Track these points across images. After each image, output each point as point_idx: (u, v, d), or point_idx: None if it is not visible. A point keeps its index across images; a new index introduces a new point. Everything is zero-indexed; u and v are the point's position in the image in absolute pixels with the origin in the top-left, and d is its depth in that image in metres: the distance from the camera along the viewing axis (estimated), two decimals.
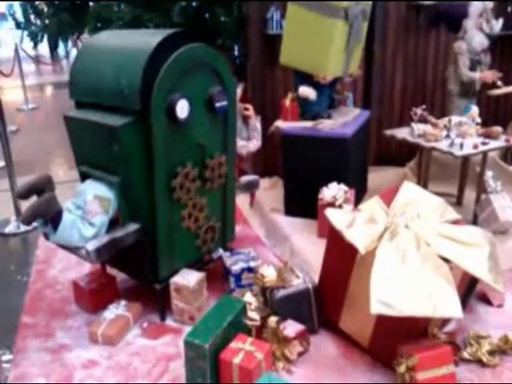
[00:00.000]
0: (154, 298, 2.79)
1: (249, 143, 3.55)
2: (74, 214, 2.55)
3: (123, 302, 2.80)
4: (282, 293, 2.55)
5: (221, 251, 3.07)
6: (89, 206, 2.51)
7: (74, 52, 13.16)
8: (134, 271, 2.90)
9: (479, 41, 4.17)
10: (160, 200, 2.56)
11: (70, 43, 13.05)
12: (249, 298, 2.60)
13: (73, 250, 2.58)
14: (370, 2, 3.73)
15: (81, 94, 2.69)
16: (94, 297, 2.85)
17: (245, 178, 3.37)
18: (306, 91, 3.63)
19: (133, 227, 2.59)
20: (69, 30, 5.73)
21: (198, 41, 2.59)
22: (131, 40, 2.65)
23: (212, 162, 2.78)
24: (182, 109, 2.48)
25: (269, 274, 2.66)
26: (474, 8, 4.13)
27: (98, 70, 2.57)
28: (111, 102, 2.49)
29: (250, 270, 2.89)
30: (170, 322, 2.77)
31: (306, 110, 3.75)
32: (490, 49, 4.32)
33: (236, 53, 5.28)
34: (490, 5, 4.17)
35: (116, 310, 2.74)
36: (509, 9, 4.88)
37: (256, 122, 3.58)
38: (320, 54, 3.45)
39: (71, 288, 2.97)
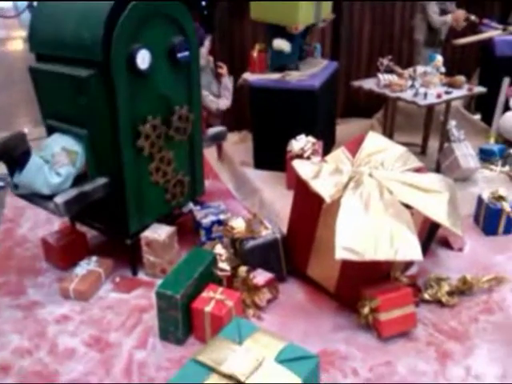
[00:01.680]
0: (125, 253, 2.82)
1: (219, 100, 3.53)
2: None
3: (94, 258, 2.81)
4: (251, 243, 2.61)
5: (191, 205, 3.09)
6: (57, 157, 2.50)
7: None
8: (105, 227, 2.90)
9: None
10: (126, 153, 2.55)
11: None
12: (219, 249, 2.66)
13: (41, 203, 2.56)
14: None
15: (41, 47, 2.64)
16: (64, 253, 2.85)
17: (212, 130, 3.35)
18: (281, 44, 3.58)
19: (101, 181, 2.59)
20: None
21: None
22: None
23: (177, 114, 2.76)
24: (143, 59, 2.45)
25: (238, 225, 2.71)
26: None
27: (60, 22, 2.52)
28: (73, 54, 2.46)
29: (220, 222, 2.93)
30: (141, 275, 2.81)
31: (278, 62, 3.70)
32: None
33: (203, 3, 5.13)
34: None
35: (87, 266, 2.76)
36: None
37: (228, 82, 3.54)
38: (289, 4, 3.39)
39: (41, 246, 2.97)
